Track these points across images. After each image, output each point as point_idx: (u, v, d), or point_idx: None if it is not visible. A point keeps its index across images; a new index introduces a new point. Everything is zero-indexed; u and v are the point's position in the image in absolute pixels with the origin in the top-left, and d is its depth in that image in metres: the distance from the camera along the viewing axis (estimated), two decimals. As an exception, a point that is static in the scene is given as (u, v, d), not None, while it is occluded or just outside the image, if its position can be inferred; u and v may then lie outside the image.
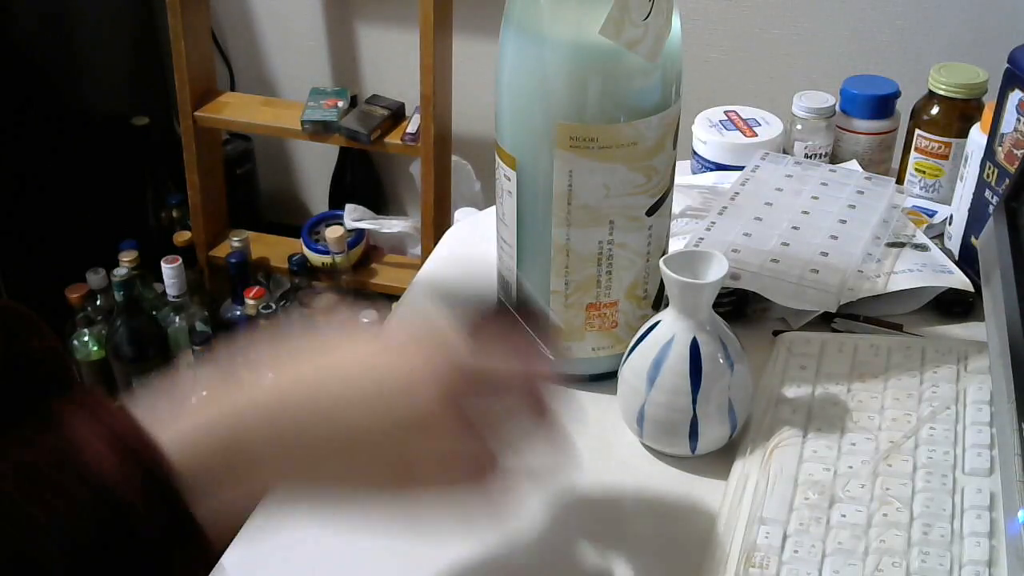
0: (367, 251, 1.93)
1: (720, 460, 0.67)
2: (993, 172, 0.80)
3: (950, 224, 0.88)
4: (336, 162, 2.15)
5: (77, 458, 0.42)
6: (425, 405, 0.47)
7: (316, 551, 0.62)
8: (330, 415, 0.47)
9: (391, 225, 1.90)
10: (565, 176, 0.66)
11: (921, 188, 0.98)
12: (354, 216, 1.89)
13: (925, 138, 0.96)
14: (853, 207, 0.88)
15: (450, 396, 0.48)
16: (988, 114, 0.81)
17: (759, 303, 0.81)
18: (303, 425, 0.46)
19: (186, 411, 0.46)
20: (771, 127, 1.01)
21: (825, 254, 0.81)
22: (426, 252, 1.86)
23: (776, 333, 0.79)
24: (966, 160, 0.85)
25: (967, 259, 0.83)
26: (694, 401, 0.64)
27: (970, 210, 0.84)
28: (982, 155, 0.81)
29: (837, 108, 1.02)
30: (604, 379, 0.74)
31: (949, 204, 0.91)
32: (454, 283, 0.53)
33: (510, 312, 0.54)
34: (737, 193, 0.90)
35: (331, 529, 0.58)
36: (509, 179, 0.69)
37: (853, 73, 1.05)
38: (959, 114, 0.94)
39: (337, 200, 2.12)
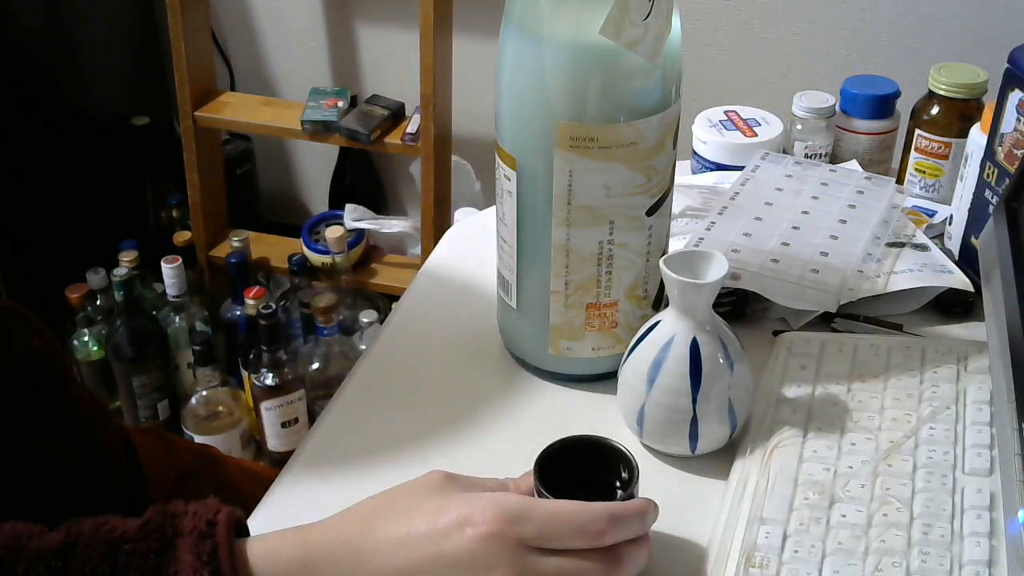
0: (367, 251, 1.93)
1: (720, 460, 0.67)
2: (993, 172, 0.80)
3: (950, 224, 0.88)
4: (336, 162, 2.15)
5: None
6: (472, 544, 0.50)
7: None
8: (387, 553, 0.51)
9: (391, 225, 1.90)
10: (565, 176, 0.66)
11: (921, 188, 0.98)
12: (354, 216, 1.89)
13: (925, 138, 0.96)
14: (853, 207, 0.88)
15: (500, 538, 0.50)
16: (988, 114, 0.81)
17: (759, 303, 0.81)
18: (361, 560, 0.51)
19: (267, 536, 0.52)
20: (771, 127, 1.01)
21: (825, 254, 0.81)
22: (426, 252, 1.85)
23: (776, 333, 0.79)
24: (966, 160, 0.85)
25: (967, 259, 0.83)
26: (694, 401, 0.64)
27: (970, 210, 0.84)
28: (982, 155, 0.81)
29: (837, 108, 1.02)
30: (604, 379, 0.74)
31: (949, 204, 0.91)
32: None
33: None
34: (737, 193, 0.90)
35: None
36: (509, 179, 0.69)
37: (853, 73, 1.05)
38: (959, 114, 0.94)
39: (337, 200, 2.12)
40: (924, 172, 0.97)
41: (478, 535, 0.50)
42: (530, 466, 0.59)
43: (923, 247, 0.85)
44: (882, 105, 1.01)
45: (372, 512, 0.53)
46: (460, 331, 0.82)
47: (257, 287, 1.76)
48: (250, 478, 0.91)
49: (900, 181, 0.99)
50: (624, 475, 0.60)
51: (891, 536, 0.58)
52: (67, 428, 0.70)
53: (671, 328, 0.65)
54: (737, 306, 0.81)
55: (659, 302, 0.73)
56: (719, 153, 1.00)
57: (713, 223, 0.85)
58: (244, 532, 0.54)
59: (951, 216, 0.89)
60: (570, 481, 0.58)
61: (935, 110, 0.95)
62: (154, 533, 0.50)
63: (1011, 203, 0.71)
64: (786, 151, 1.02)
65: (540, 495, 0.58)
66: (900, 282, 0.80)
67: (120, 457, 0.76)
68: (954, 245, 0.87)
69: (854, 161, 1.01)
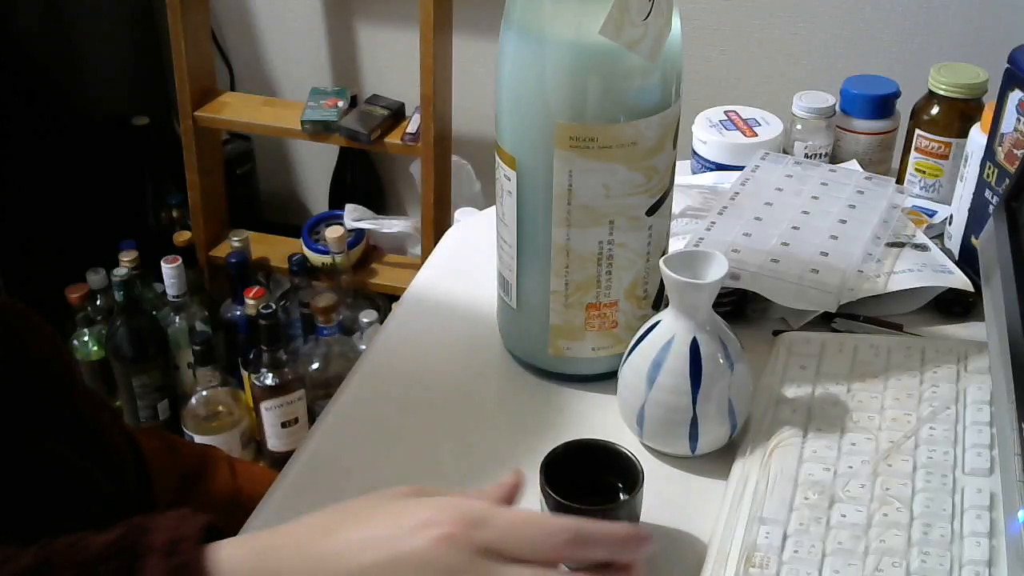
0: (367, 251, 1.93)
1: (720, 460, 0.67)
2: (993, 172, 0.80)
3: (950, 224, 0.88)
4: (336, 162, 2.15)
5: None
6: (431, 546, 0.49)
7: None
8: (346, 555, 0.50)
9: (391, 225, 1.90)
10: (565, 176, 0.66)
11: (921, 188, 0.98)
12: (354, 216, 1.89)
13: (925, 138, 0.96)
14: (853, 207, 0.88)
15: (459, 541, 0.49)
16: (988, 114, 0.81)
17: (759, 303, 0.81)
18: (318, 565, 0.51)
19: (225, 544, 0.52)
20: (771, 127, 1.01)
21: (825, 254, 0.81)
22: (426, 252, 1.85)
23: (776, 333, 0.79)
24: (966, 160, 0.85)
25: (967, 259, 0.83)
26: (694, 401, 0.64)
27: (970, 210, 0.84)
28: (982, 155, 0.81)
29: (837, 108, 1.02)
30: (604, 379, 0.74)
31: (949, 204, 0.91)
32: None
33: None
34: (737, 193, 0.90)
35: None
36: (509, 179, 0.69)
37: (853, 73, 1.05)
38: (959, 114, 0.94)
39: (337, 200, 2.11)
40: (924, 172, 0.97)
41: (438, 537, 0.49)
42: (526, 466, 0.60)
43: (923, 247, 0.85)
44: (882, 105, 1.01)
45: (332, 517, 0.53)
46: (460, 331, 0.82)
47: (257, 287, 1.76)
48: (252, 478, 0.91)
49: (900, 181, 0.99)
50: (629, 479, 0.60)
51: (891, 536, 0.58)
52: (71, 428, 0.70)
53: (671, 328, 0.65)
54: (737, 306, 0.81)
55: (659, 302, 0.73)
56: (719, 153, 1.00)
57: (713, 223, 0.85)
58: (220, 536, 0.53)
59: (951, 216, 0.89)
60: (575, 484, 0.59)
61: (935, 110, 0.95)
62: (124, 551, 0.50)
63: (1011, 203, 0.71)
64: (786, 151, 1.02)
65: (546, 497, 0.58)
66: (900, 282, 0.80)
67: (125, 457, 0.76)
68: (954, 245, 0.87)
69: (854, 161, 1.01)
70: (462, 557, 0.49)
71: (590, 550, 0.51)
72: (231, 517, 0.81)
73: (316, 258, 1.87)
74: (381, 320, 1.69)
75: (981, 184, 0.82)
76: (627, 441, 0.68)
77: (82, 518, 0.59)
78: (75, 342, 1.79)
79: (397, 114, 1.82)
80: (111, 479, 0.72)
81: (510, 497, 0.55)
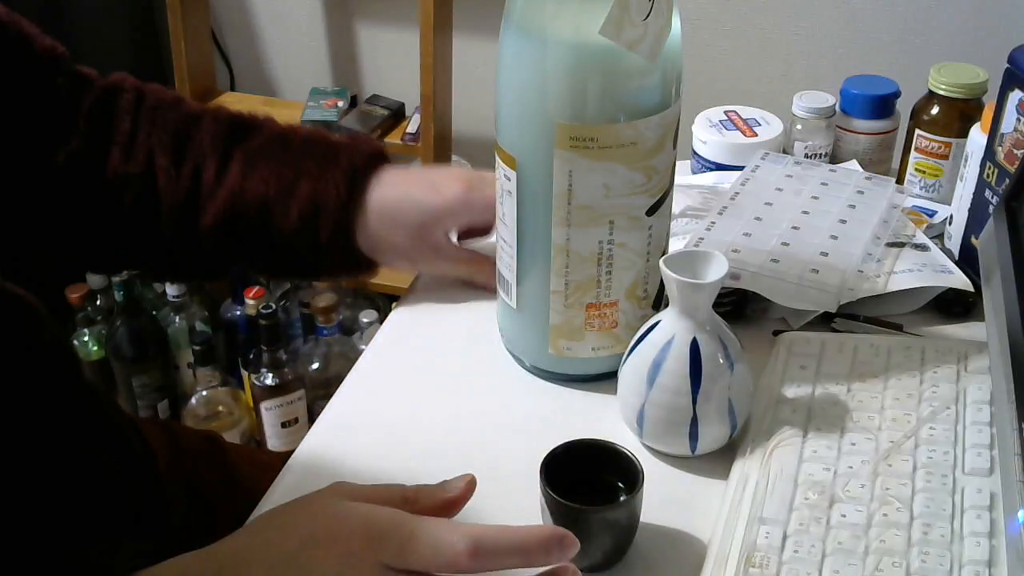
0: (367, 251, 1.93)
1: (720, 460, 0.67)
2: (993, 172, 0.80)
3: (950, 224, 0.88)
4: (336, 162, 2.14)
5: None
6: (333, 562, 0.48)
7: None
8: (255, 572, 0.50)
9: (391, 225, 1.90)
10: (565, 176, 0.66)
11: (921, 188, 0.98)
12: (354, 216, 1.89)
13: (925, 138, 0.96)
14: (853, 207, 0.88)
15: (360, 557, 0.48)
16: (988, 114, 0.81)
17: (759, 303, 0.81)
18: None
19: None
20: (771, 127, 1.01)
21: (825, 254, 0.81)
22: (426, 252, 1.85)
23: (776, 333, 0.79)
24: (966, 160, 0.85)
25: (967, 259, 0.83)
26: (694, 401, 0.64)
27: (970, 210, 0.84)
28: (982, 155, 0.81)
29: (837, 108, 1.02)
30: (604, 379, 0.74)
31: (949, 204, 0.91)
32: None
33: None
34: (737, 193, 0.90)
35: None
36: (509, 179, 0.69)
37: (853, 73, 1.05)
38: (959, 114, 0.94)
39: (337, 200, 2.11)
40: (924, 172, 0.97)
41: (340, 554, 0.49)
42: (526, 466, 0.60)
43: (923, 247, 0.85)
44: (882, 105, 1.00)
45: (253, 534, 0.53)
46: (460, 331, 0.82)
47: (257, 287, 1.76)
48: (253, 464, 0.91)
49: (900, 181, 0.99)
50: (629, 479, 0.60)
51: (891, 536, 0.58)
52: (78, 412, 0.70)
53: (671, 328, 0.65)
54: (737, 306, 0.81)
55: (659, 302, 0.73)
56: (719, 153, 1.00)
57: (713, 223, 0.85)
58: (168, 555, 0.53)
59: (951, 216, 0.89)
60: (575, 484, 0.59)
61: (935, 110, 0.95)
62: None
63: (1011, 203, 0.71)
64: (786, 151, 1.02)
65: (546, 497, 0.58)
66: (900, 282, 0.80)
67: (133, 439, 0.77)
68: (954, 245, 0.87)
69: (854, 161, 1.01)
70: (365, 573, 0.48)
71: (498, 559, 0.49)
72: (231, 499, 0.81)
73: (316, 258, 1.87)
74: (381, 320, 1.69)
75: (981, 184, 0.82)
76: (627, 441, 0.68)
77: (95, 502, 0.59)
78: (75, 342, 1.79)
79: (397, 114, 1.82)
80: (120, 461, 0.72)
81: (452, 501, 0.53)
